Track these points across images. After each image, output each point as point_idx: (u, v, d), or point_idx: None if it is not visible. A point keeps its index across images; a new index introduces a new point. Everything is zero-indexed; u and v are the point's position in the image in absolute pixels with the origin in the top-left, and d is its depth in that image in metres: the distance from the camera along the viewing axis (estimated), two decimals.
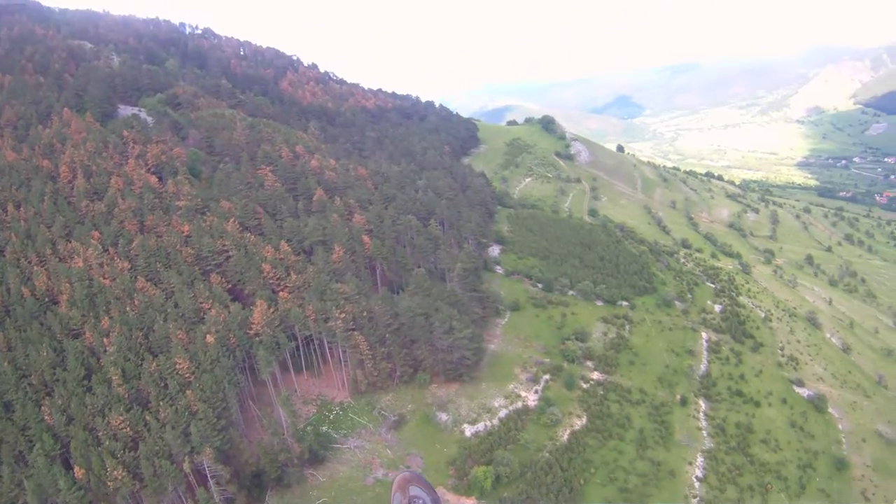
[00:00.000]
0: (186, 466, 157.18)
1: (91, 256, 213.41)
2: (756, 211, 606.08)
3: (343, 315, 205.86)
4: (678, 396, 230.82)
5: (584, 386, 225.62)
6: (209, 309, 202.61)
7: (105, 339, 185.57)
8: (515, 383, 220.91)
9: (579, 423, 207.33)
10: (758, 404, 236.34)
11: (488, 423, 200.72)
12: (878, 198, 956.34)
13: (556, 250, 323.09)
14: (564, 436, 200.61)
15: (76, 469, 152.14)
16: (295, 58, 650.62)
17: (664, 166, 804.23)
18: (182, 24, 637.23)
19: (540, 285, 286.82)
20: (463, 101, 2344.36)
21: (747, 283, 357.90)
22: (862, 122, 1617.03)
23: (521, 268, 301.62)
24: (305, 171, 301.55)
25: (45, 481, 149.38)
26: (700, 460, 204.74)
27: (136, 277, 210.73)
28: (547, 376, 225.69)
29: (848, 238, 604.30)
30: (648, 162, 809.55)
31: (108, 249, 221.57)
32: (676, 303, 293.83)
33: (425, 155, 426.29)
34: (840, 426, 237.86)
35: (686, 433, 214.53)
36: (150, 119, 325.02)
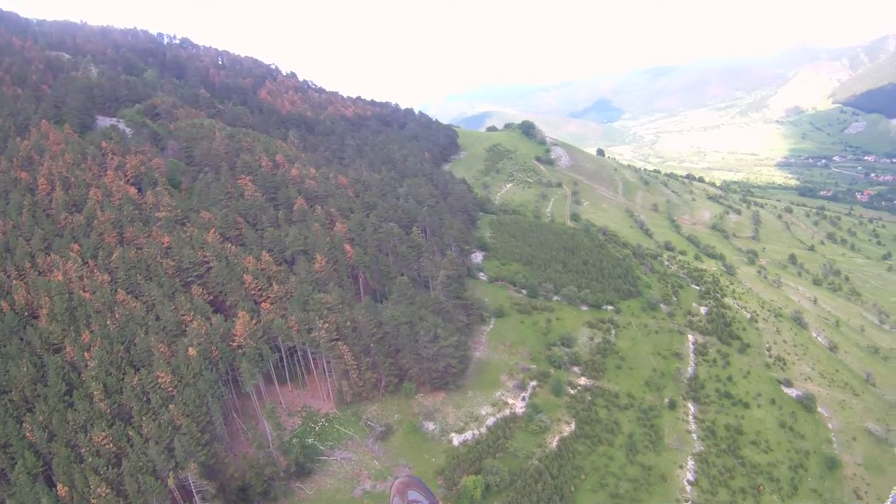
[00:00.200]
0: (171, 482, 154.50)
1: (71, 269, 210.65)
2: (738, 212, 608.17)
3: (326, 325, 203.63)
4: (666, 400, 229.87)
5: (572, 392, 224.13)
6: (191, 321, 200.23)
7: (86, 354, 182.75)
8: (502, 391, 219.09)
9: (568, 429, 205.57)
10: (747, 405, 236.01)
11: (476, 432, 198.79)
12: (859, 196, 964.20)
13: (539, 255, 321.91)
14: (553, 442, 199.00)
15: (59, 487, 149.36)
16: (273, 66, 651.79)
17: (645, 169, 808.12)
18: (160, 35, 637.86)
19: (524, 291, 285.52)
20: (442, 107, 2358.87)
21: (732, 284, 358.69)
22: (841, 121, 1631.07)
23: (504, 274, 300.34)
24: (286, 181, 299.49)
25: (27, 500, 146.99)
26: (691, 463, 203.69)
27: (116, 290, 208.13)
28: (534, 383, 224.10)
29: (830, 237, 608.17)
30: (629, 165, 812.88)
31: (87, 262, 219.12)
32: (662, 306, 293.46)
33: (406, 162, 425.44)
34: (830, 425, 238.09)
35: (676, 437, 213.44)
36: (128, 130, 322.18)
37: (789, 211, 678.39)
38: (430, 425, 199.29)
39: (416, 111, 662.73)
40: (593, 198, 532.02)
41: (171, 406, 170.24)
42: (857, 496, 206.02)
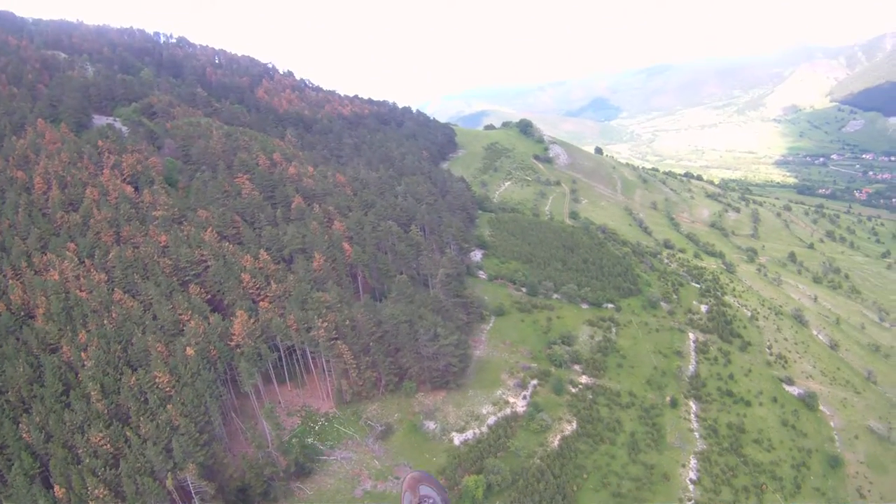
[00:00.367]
0: (169, 483, 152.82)
1: (67, 269, 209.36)
2: (737, 210, 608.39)
3: (325, 324, 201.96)
4: (668, 398, 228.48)
5: (573, 390, 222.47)
6: (188, 320, 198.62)
7: (83, 354, 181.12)
8: (503, 389, 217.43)
9: (569, 428, 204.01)
10: (748, 404, 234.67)
11: (477, 431, 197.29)
12: (857, 194, 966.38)
13: (538, 254, 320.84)
14: (555, 442, 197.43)
15: (56, 488, 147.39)
16: (270, 65, 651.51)
17: (643, 167, 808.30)
18: (157, 34, 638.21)
19: (524, 289, 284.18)
20: (439, 106, 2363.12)
21: (732, 282, 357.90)
22: (839, 119, 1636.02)
23: (504, 272, 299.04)
24: (283, 179, 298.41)
25: (24, 502, 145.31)
26: (693, 462, 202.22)
27: (113, 289, 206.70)
28: (535, 381, 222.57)
29: (829, 235, 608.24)
30: (627, 163, 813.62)
31: (84, 261, 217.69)
32: (662, 304, 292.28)
33: (404, 160, 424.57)
34: (832, 423, 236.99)
35: (678, 435, 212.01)
36: (125, 129, 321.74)
37: (788, 209, 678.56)
38: (431, 424, 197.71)
39: (414, 110, 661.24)
40: (592, 196, 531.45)
41: (168, 406, 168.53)
42: (861, 495, 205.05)
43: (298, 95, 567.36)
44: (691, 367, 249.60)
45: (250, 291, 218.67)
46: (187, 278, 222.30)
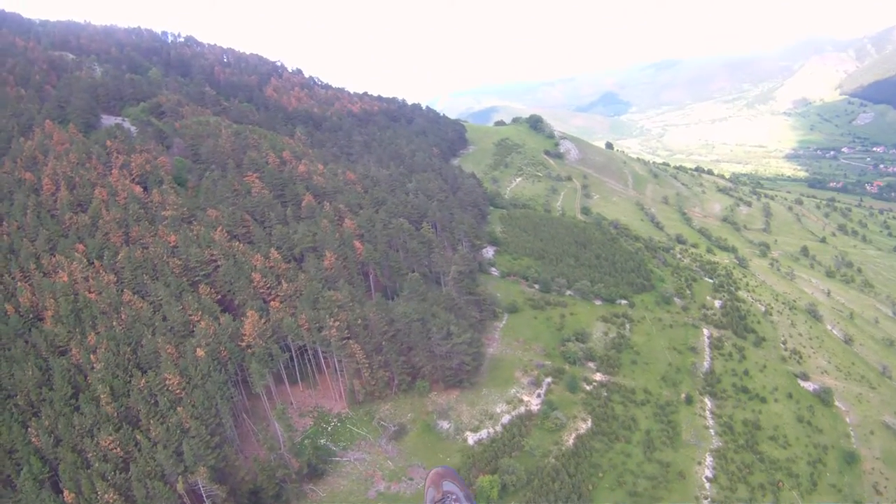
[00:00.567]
0: (180, 487, 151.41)
1: (76, 270, 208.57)
2: (748, 204, 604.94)
3: (337, 323, 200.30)
4: (683, 395, 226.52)
5: (587, 388, 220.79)
6: (198, 321, 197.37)
7: (92, 356, 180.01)
8: (517, 388, 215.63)
9: (584, 426, 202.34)
10: (764, 400, 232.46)
11: (491, 430, 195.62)
12: (868, 187, 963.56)
13: (551, 250, 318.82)
14: (570, 440, 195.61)
15: (66, 493, 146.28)
16: (279, 63, 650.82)
17: (653, 162, 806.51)
18: (164, 33, 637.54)
19: (537, 286, 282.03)
20: (449, 103, 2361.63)
21: (745, 277, 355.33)
22: (849, 112, 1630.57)
23: (516, 269, 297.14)
24: (293, 177, 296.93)
25: None
26: (709, 460, 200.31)
27: (122, 290, 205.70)
28: (549, 379, 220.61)
29: (841, 228, 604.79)
30: (638, 158, 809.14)
31: (93, 262, 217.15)
32: (676, 299, 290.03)
33: (414, 157, 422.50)
34: (847, 419, 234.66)
35: (693, 432, 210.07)
36: (133, 128, 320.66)
37: (799, 203, 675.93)
38: (445, 424, 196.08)
39: (424, 107, 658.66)
40: (603, 191, 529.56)
41: (179, 408, 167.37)
42: (877, 491, 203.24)
43: (307, 93, 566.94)
44: (706, 364, 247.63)
45: (261, 291, 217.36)
46: (197, 278, 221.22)
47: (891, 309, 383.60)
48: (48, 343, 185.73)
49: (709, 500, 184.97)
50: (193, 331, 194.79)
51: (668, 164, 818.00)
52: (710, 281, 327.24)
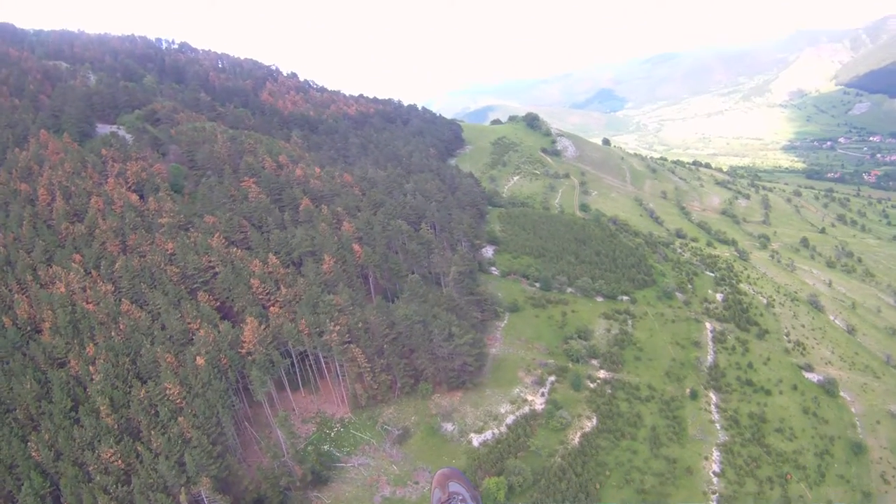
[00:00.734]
0: (183, 498, 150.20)
1: (73, 281, 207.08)
2: (747, 197, 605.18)
3: (338, 327, 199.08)
4: (688, 390, 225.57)
5: (592, 385, 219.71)
6: (198, 329, 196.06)
7: (91, 367, 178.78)
8: (521, 387, 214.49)
9: (589, 424, 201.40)
10: (769, 393, 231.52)
11: (496, 431, 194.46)
12: (866, 177, 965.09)
13: (550, 248, 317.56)
14: (575, 439, 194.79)
15: None
16: (274, 68, 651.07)
17: (651, 157, 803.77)
18: (158, 40, 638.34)
19: (537, 284, 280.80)
20: (445, 103, 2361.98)
21: (746, 269, 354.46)
22: (845, 102, 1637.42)
23: (516, 267, 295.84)
24: (290, 181, 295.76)
25: None
26: (716, 454, 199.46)
27: (120, 300, 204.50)
28: (552, 378, 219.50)
29: (840, 219, 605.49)
30: (635, 154, 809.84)
31: (90, 272, 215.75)
32: (677, 294, 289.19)
33: (411, 158, 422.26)
34: (853, 409, 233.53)
35: (699, 427, 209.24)
36: (129, 136, 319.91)
37: (798, 194, 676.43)
38: (449, 426, 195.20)
39: (420, 107, 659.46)
40: (601, 187, 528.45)
41: (180, 418, 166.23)
42: (885, 480, 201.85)
43: (303, 97, 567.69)
44: (709, 358, 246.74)
45: (260, 297, 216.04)
46: (195, 286, 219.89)
47: (892, 298, 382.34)
48: (46, 355, 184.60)
49: (717, 494, 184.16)
50: (193, 339, 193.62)
51: (665, 159, 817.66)
52: (711, 275, 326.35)
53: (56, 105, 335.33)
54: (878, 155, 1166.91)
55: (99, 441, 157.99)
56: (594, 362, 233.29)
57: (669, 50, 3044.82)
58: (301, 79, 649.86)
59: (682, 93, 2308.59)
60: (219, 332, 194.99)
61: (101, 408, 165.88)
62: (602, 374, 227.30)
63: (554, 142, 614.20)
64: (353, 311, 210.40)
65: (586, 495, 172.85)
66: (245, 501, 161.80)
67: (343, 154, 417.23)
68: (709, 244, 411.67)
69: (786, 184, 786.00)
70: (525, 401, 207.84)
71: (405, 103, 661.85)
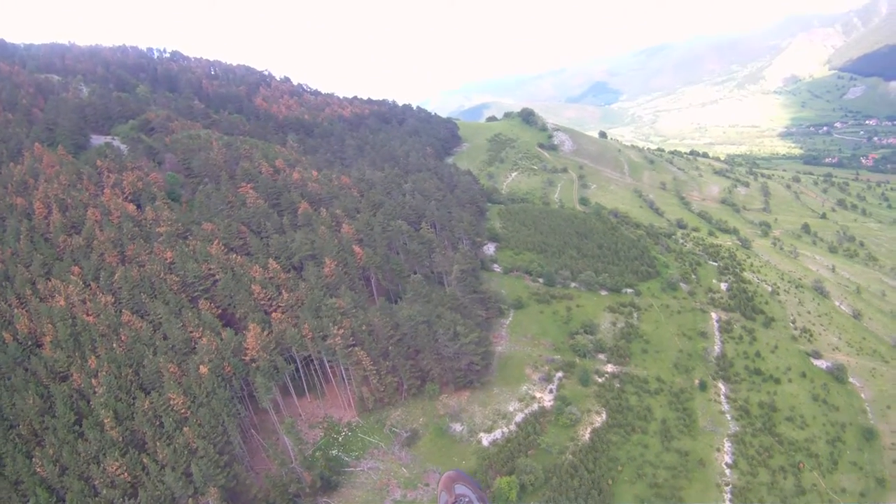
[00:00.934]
0: None
1: (73, 293, 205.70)
2: (746, 185, 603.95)
3: (341, 331, 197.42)
4: (696, 381, 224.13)
5: (600, 380, 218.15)
6: (200, 337, 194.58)
7: (93, 380, 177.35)
8: (528, 385, 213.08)
9: (599, 419, 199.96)
10: (778, 381, 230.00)
11: (505, 430, 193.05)
12: (863, 161, 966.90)
13: (552, 243, 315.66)
14: (586, 435, 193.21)
15: None
16: (267, 73, 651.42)
17: (648, 148, 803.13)
18: (150, 50, 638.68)
19: (541, 280, 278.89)
20: (439, 102, 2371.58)
21: (749, 257, 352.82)
22: (839, 87, 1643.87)
23: (519, 264, 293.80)
24: (288, 185, 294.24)
25: None
26: (728, 445, 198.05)
27: (120, 311, 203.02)
28: (560, 374, 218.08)
29: (840, 203, 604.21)
30: (632, 146, 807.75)
31: (89, 284, 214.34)
32: (681, 285, 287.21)
33: (408, 158, 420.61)
34: (863, 395, 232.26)
35: (710, 419, 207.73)
36: (123, 147, 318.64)
37: (797, 180, 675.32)
38: (458, 426, 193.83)
39: (415, 107, 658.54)
40: (600, 180, 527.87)
41: (185, 429, 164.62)
42: None
43: (297, 100, 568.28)
44: (717, 348, 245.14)
45: (262, 303, 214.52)
46: (196, 294, 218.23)
47: None
48: (48, 369, 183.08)
49: (731, 486, 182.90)
50: (195, 348, 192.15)
51: (662, 150, 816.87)
52: (715, 264, 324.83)
53: (49, 118, 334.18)
54: (875, 138, 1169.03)
55: (104, 454, 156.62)
56: (601, 356, 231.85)
57: (662, 41, 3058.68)
58: (294, 83, 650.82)
59: (676, 83, 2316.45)
60: (221, 339, 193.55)
61: (105, 420, 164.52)
62: (610, 368, 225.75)
63: (550, 136, 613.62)
64: (356, 313, 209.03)
65: (599, 492, 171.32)
66: None
67: (340, 156, 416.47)
68: (710, 233, 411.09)
69: (784, 170, 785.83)
70: (533, 398, 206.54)
71: (400, 103, 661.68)
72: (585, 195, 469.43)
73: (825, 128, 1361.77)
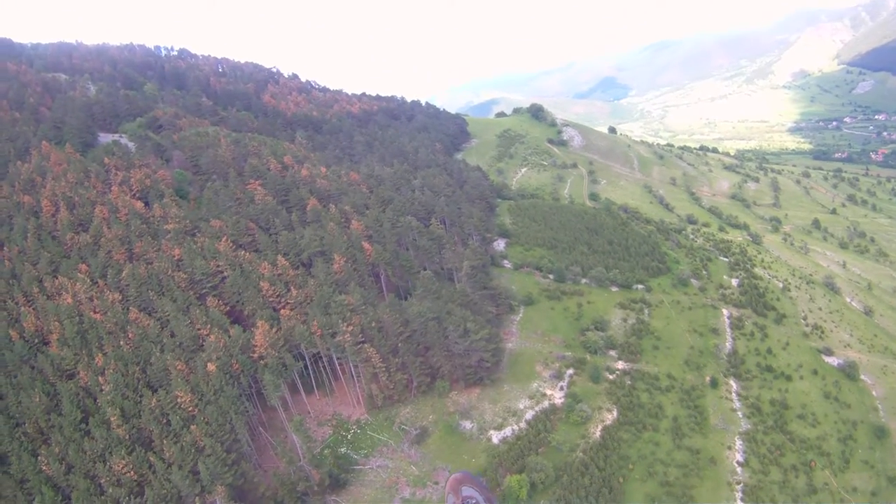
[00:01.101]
0: None
1: (80, 291, 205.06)
2: (756, 180, 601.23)
3: (351, 328, 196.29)
4: (708, 378, 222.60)
5: (610, 377, 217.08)
6: (208, 335, 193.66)
7: (100, 378, 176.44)
8: (539, 382, 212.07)
9: (610, 417, 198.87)
10: (789, 378, 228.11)
11: (515, 427, 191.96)
12: (873, 156, 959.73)
13: (562, 238, 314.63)
14: (597, 432, 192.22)
15: None
16: (275, 70, 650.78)
17: (657, 144, 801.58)
18: (157, 48, 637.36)
19: (551, 276, 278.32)
20: (447, 99, 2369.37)
21: (760, 253, 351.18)
22: (848, 81, 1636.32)
23: (529, 260, 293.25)
24: (296, 182, 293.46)
25: None
26: (739, 443, 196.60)
27: (128, 309, 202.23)
28: (570, 371, 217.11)
29: (850, 199, 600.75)
30: (641, 141, 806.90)
31: (97, 282, 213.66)
32: (692, 281, 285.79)
33: (417, 154, 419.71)
34: (874, 393, 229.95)
35: (721, 416, 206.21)
36: (131, 144, 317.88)
37: (807, 175, 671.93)
38: (468, 424, 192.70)
39: (423, 103, 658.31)
40: (610, 176, 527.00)
41: (192, 427, 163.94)
42: None
43: (305, 97, 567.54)
44: (728, 344, 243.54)
45: (270, 300, 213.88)
46: (204, 291, 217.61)
47: None
48: (55, 367, 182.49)
49: (742, 485, 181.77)
50: (203, 345, 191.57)
51: (672, 145, 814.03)
52: (725, 260, 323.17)
53: (57, 116, 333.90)
54: (885, 133, 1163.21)
55: (110, 452, 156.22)
56: (612, 353, 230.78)
57: (670, 36, 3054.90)
58: (303, 80, 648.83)
59: (685, 78, 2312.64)
60: (229, 337, 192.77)
61: (112, 418, 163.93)
62: (620, 364, 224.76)
63: (560, 132, 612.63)
64: (365, 310, 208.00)
65: (610, 490, 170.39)
66: None
67: (348, 153, 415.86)
68: (721, 229, 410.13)
69: (794, 165, 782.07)
70: (544, 395, 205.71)
71: (408, 100, 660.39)
72: (595, 191, 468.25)
73: (834, 123, 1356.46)
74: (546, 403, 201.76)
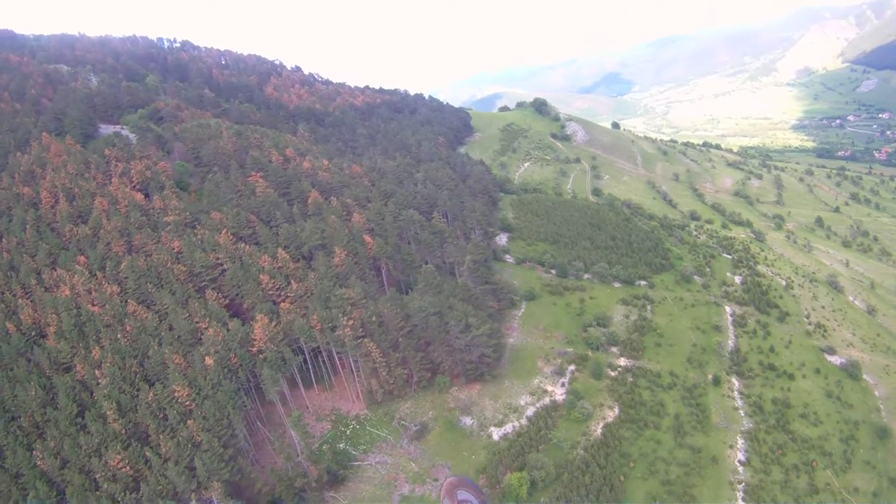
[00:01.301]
0: None
1: (78, 283, 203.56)
2: (759, 177, 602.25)
3: (351, 322, 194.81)
4: (710, 376, 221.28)
5: (612, 374, 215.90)
6: (206, 328, 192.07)
7: (97, 371, 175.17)
8: (540, 378, 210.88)
9: (612, 414, 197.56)
10: (792, 377, 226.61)
11: (516, 424, 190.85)
12: (877, 154, 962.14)
13: (565, 233, 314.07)
14: (598, 430, 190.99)
15: None
16: (278, 62, 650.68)
17: (661, 140, 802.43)
18: (160, 39, 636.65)
19: (553, 271, 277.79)
20: (451, 92, 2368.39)
21: (763, 251, 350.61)
22: (852, 79, 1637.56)
23: (531, 254, 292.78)
24: (298, 174, 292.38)
25: None
26: (741, 442, 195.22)
27: (126, 301, 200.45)
28: (572, 367, 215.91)
29: (854, 197, 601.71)
30: (645, 136, 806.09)
31: (95, 274, 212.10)
32: (695, 277, 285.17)
33: (420, 147, 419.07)
34: (876, 393, 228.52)
35: (723, 415, 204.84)
36: (132, 136, 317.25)
37: (810, 173, 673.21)
38: (468, 420, 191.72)
39: (427, 96, 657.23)
40: (613, 171, 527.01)
41: (189, 421, 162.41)
42: None
43: (308, 90, 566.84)
44: (731, 342, 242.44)
45: (270, 293, 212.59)
46: (203, 284, 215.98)
47: None
48: (51, 360, 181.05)
49: (743, 484, 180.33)
50: (201, 339, 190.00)
51: (675, 141, 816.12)
52: (729, 257, 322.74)
53: (58, 108, 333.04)
54: (889, 132, 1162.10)
55: (106, 447, 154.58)
56: (614, 350, 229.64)
57: (674, 32, 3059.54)
58: (305, 72, 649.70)
59: (689, 75, 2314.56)
60: (228, 330, 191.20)
61: (108, 413, 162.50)
62: (622, 361, 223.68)
63: (563, 127, 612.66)
64: (366, 304, 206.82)
65: (610, 488, 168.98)
66: None
67: (351, 145, 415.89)
68: (724, 226, 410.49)
69: (797, 163, 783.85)
70: (545, 391, 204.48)
71: (411, 93, 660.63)
72: (598, 186, 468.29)
73: (838, 121, 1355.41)
74: (547, 400, 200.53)
